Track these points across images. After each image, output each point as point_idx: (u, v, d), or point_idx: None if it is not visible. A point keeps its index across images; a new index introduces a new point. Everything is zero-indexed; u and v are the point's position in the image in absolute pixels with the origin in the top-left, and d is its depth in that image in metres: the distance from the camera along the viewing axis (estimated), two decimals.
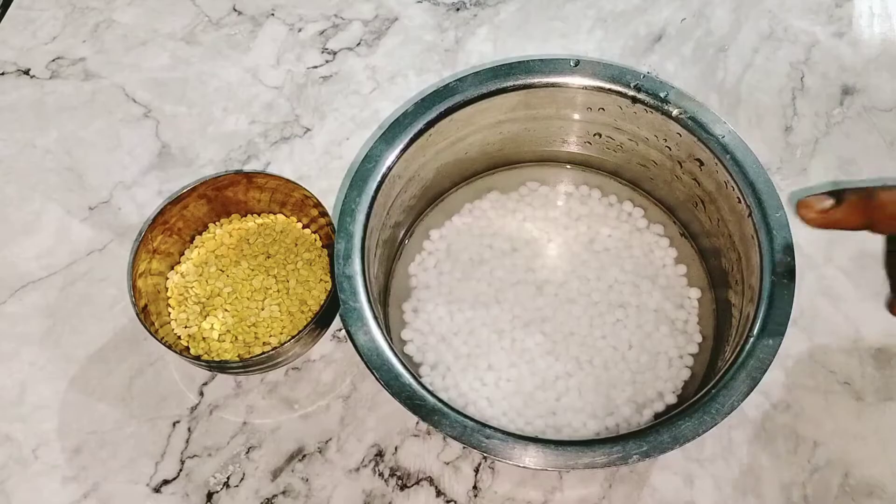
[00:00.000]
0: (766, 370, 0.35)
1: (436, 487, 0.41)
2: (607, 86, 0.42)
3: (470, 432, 0.35)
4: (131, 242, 0.47)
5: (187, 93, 0.53)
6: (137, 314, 0.41)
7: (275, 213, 0.48)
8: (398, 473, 0.41)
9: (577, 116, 0.45)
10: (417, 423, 0.42)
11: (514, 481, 0.41)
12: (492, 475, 0.41)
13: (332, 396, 0.43)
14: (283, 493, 0.41)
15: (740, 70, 0.53)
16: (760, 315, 0.37)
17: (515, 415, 0.42)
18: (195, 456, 0.42)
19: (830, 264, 0.47)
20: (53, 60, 0.54)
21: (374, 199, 0.40)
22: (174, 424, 0.43)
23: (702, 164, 0.42)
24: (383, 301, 0.45)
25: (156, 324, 0.43)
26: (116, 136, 0.51)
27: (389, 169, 0.41)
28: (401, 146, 0.41)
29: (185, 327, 0.44)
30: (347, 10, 0.56)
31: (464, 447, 0.42)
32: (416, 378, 0.36)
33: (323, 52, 0.54)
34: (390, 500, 0.41)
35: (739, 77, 0.53)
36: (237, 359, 0.42)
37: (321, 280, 0.45)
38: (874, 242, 0.47)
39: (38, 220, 0.48)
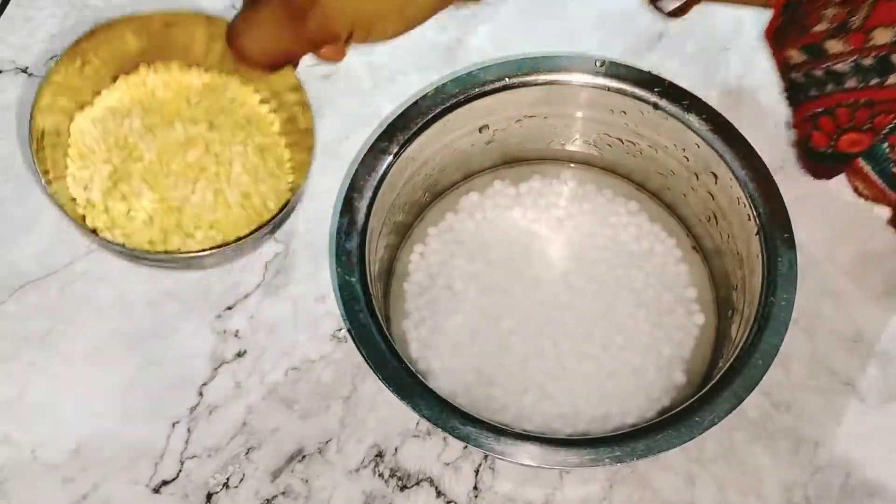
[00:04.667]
0: (751, 390, 0.36)
1: (436, 488, 0.41)
2: (630, 89, 0.42)
3: (446, 417, 0.35)
4: None
5: None
6: (32, 155, 0.34)
7: (228, 74, 0.39)
8: (398, 474, 0.41)
9: (598, 117, 0.45)
10: (418, 423, 0.42)
11: (514, 481, 0.41)
12: (492, 475, 0.41)
13: (332, 397, 0.43)
14: (283, 493, 0.41)
15: (742, 69, 0.53)
16: (754, 335, 0.37)
17: (513, 411, 0.42)
18: (195, 457, 0.42)
19: (832, 264, 0.46)
20: (52, 58, 0.54)
21: (383, 177, 0.40)
22: (173, 425, 0.42)
23: (717, 178, 0.42)
24: (385, 288, 0.45)
25: (50, 174, 0.35)
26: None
27: (402, 149, 0.41)
28: (416, 128, 0.41)
29: (85, 188, 0.36)
30: None
31: (465, 446, 0.42)
32: (399, 357, 0.36)
33: None
34: (390, 500, 0.41)
35: (741, 76, 0.53)
36: (151, 248, 0.35)
37: (273, 175, 0.38)
38: (877, 242, 0.47)
39: (37, 219, 0.48)
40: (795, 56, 0.33)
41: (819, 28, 0.31)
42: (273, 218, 0.35)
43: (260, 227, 0.35)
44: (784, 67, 0.35)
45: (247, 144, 0.38)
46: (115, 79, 0.38)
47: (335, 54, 0.32)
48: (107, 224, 0.35)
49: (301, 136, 0.38)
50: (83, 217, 0.36)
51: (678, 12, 0.34)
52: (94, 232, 0.35)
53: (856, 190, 0.38)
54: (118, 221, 0.35)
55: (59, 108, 0.36)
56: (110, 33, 0.36)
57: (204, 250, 0.35)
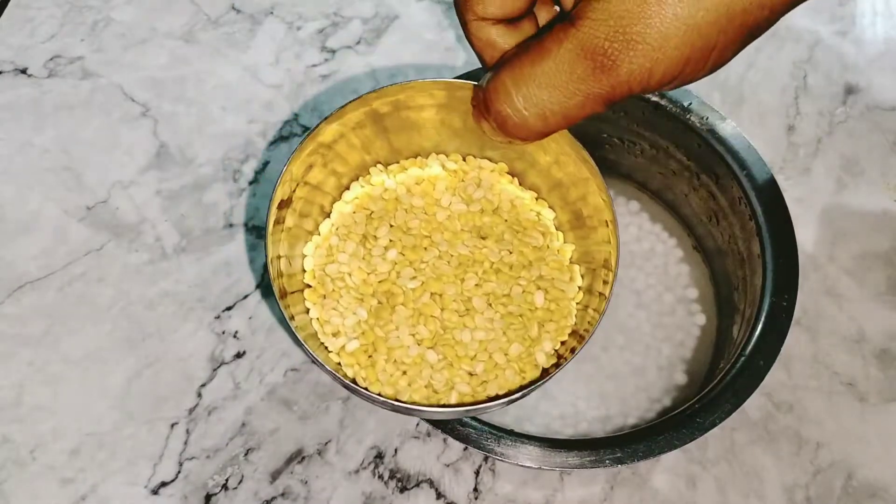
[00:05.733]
0: (753, 391, 0.36)
1: (436, 489, 0.41)
2: None
3: (448, 420, 0.35)
4: (129, 242, 0.47)
5: (185, 92, 0.52)
6: (279, 304, 0.28)
7: (475, 157, 0.31)
8: (398, 475, 0.41)
9: (598, 117, 0.44)
10: (418, 424, 0.42)
11: (514, 483, 0.41)
12: (492, 477, 0.41)
13: (331, 398, 0.43)
14: (283, 495, 0.41)
15: (743, 69, 0.53)
16: (755, 335, 0.37)
17: (513, 412, 0.42)
18: (193, 458, 0.42)
19: (834, 264, 0.46)
20: (51, 59, 0.54)
21: None
22: (172, 426, 0.42)
23: (718, 178, 0.42)
24: None
25: (295, 320, 0.29)
26: (114, 136, 0.51)
27: None
28: None
29: (335, 335, 0.30)
30: (347, 9, 0.56)
31: (465, 448, 0.41)
32: None
33: (322, 51, 0.54)
34: (390, 502, 0.40)
35: (742, 76, 0.53)
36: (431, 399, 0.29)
37: (560, 282, 0.30)
38: (878, 242, 0.47)
39: (36, 219, 0.48)
40: None
41: None
42: (588, 332, 0.28)
43: (574, 349, 0.28)
44: None
45: (524, 252, 0.30)
46: (341, 191, 0.31)
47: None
48: (370, 378, 0.29)
49: (576, 209, 0.30)
50: (338, 365, 0.30)
51: None
52: (356, 384, 0.29)
53: None
54: (387, 378, 0.29)
55: (287, 244, 0.30)
56: (328, 134, 0.29)
57: (506, 395, 0.28)
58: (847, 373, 0.43)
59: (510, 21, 0.25)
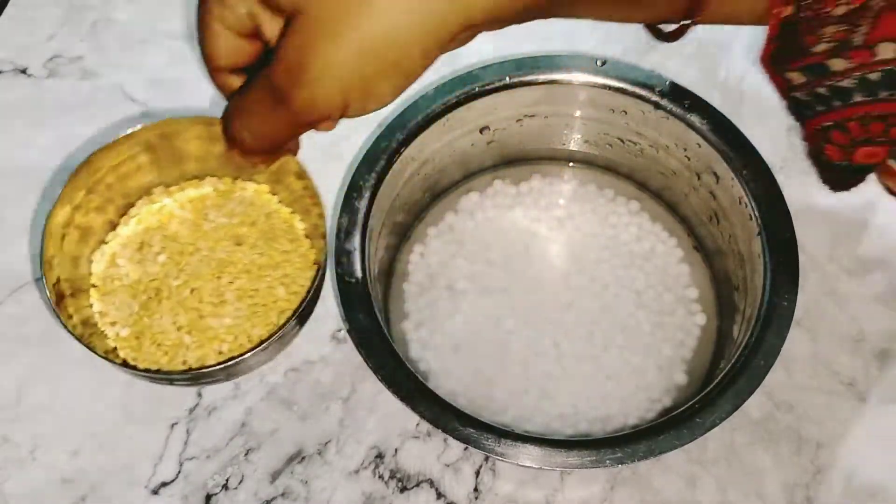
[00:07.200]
0: (753, 391, 0.36)
1: (436, 489, 0.41)
2: (631, 88, 0.42)
3: (446, 419, 0.35)
4: None
5: (185, 92, 0.52)
6: (54, 307, 0.36)
7: (241, 179, 0.41)
8: (398, 475, 0.41)
9: (598, 117, 0.45)
10: (418, 424, 0.42)
11: (515, 483, 0.41)
12: (493, 477, 0.41)
13: (331, 398, 0.43)
14: (283, 495, 0.41)
15: (742, 69, 0.53)
16: (755, 335, 0.37)
17: (513, 412, 0.42)
18: (194, 458, 0.42)
19: (834, 264, 0.46)
20: (51, 59, 0.54)
21: (383, 177, 0.40)
22: (172, 426, 0.42)
23: (718, 178, 0.42)
24: (385, 289, 0.45)
25: (74, 318, 0.37)
26: (114, 136, 0.51)
27: (402, 148, 0.40)
28: (416, 128, 0.41)
29: (113, 324, 0.38)
30: None
31: (465, 448, 0.41)
32: (399, 358, 0.36)
33: None
34: (390, 502, 0.41)
35: (742, 76, 0.53)
36: (184, 367, 0.37)
37: (301, 276, 0.39)
38: (879, 242, 0.47)
39: (36, 219, 0.48)
40: (796, 77, 0.33)
41: (819, 48, 0.30)
42: (297, 310, 0.37)
43: (287, 321, 0.37)
44: (784, 90, 0.34)
45: (272, 255, 0.39)
46: (127, 207, 0.40)
47: (328, 125, 0.28)
48: (138, 358, 0.38)
49: (314, 227, 0.40)
50: (114, 349, 0.38)
51: (672, 37, 0.33)
52: (126, 364, 0.37)
53: (889, 190, 0.37)
54: (150, 357, 0.37)
55: (70, 251, 0.37)
56: (105, 159, 0.37)
57: (241, 355, 0.36)
58: (847, 373, 0.43)
59: (244, 70, 0.29)
